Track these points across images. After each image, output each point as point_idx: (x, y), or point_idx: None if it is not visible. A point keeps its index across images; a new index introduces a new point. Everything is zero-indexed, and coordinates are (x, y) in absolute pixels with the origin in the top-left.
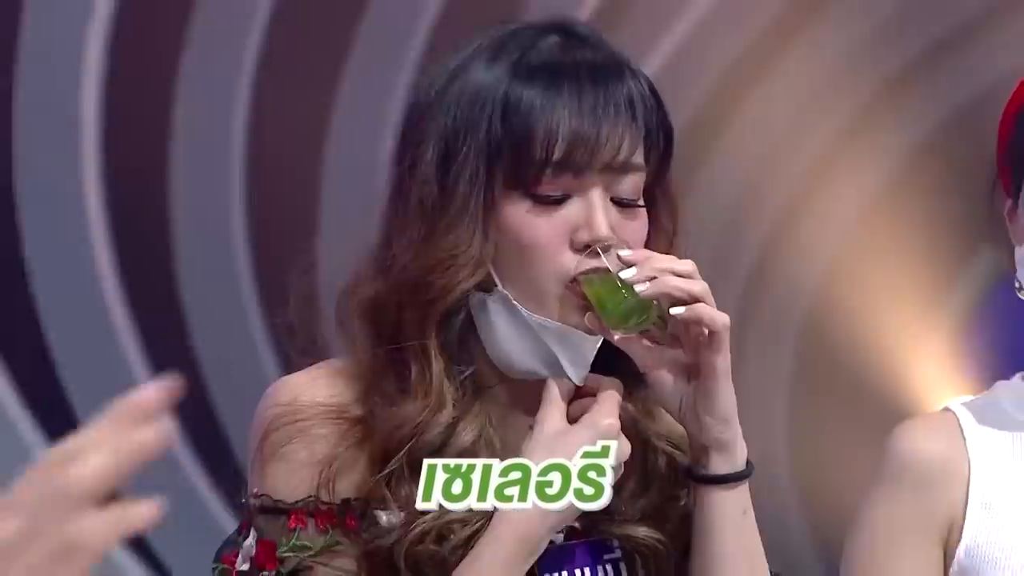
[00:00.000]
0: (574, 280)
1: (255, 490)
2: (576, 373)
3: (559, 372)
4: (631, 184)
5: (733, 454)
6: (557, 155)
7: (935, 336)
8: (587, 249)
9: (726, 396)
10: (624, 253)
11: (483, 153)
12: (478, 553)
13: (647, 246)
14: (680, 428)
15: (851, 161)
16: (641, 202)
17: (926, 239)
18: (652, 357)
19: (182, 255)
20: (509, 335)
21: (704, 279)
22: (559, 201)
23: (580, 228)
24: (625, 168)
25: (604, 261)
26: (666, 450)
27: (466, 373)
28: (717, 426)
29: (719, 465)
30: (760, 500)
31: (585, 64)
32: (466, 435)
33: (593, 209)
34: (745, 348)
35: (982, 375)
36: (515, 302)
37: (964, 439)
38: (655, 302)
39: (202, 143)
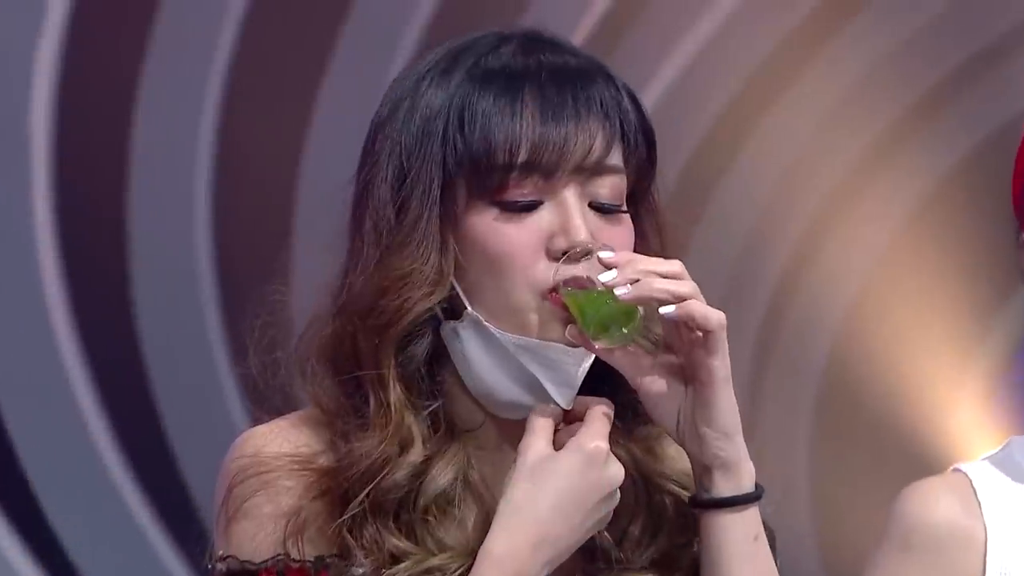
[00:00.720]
0: (553, 291)
1: (220, 552)
2: (562, 396)
3: (544, 398)
4: (610, 188)
5: (738, 474)
6: (522, 158)
7: (970, 377)
8: (564, 256)
9: (726, 405)
10: (605, 255)
11: (439, 167)
12: None
13: None
14: (686, 464)
15: (880, 182)
16: (624, 208)
17: (962, 268)
18: (641, 366)
19: (141, 303)
20: (485, 363)
21: (719, 310)
22: (530, 207)
23: (556, 235)
24: (600, 169)
25: (583, 268)
26: (672, 490)
27: (431, 407)
28: (718, 441)
29: (723, 487)
30: (778, 552)
31: (549, 66)
32: (442, 478)
33: (568, 213)
34: (763, 386)
35: (1022, 421)
36: (487, 323)
37: (979, 503)
38: (640, 309)
39: (164, 161)
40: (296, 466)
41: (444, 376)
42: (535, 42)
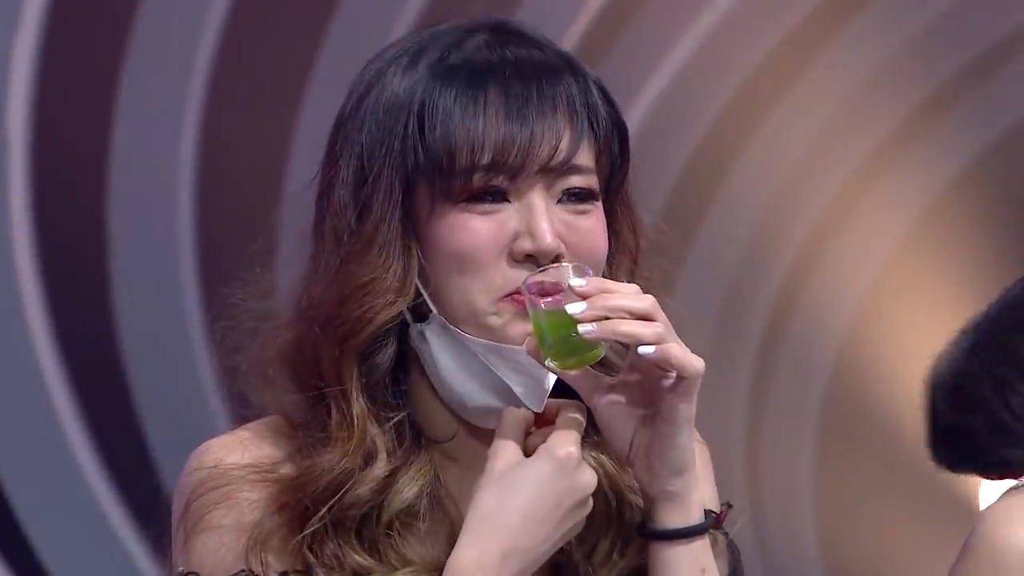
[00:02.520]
0: (516, 293)
1: (180, 569)
2: (532, 399)
3: (516, 403)
4: (580, 183)
5: (686, 507)
6: (485, 160)
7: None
8: (529, 261)
9: (684, 446)
10: (576, 283)
11: (400, 168)
12: None
13: (609, 264)
14: None
15: (886, 186)
16: (595, 201)
17: (969, 273)
18: (599, 387)
19: (122, 307)
20: (452, 366)
21: (720, 317)
22: (493, 205)
23: (521, 236)
24: (568, 170)
25: (551, 275)
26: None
27: (395, 418)
28: (670, 477)
29: (670, 518)
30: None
31: (514, 61)
32: (407, 492)
33: (534, 215)
34: (765, 399)
35: None
36: (452, 326)
37: None
38: (603, 345)
39: (145, 162)
40: (257, 477)
41: (412, 383)
42: (501, 35)
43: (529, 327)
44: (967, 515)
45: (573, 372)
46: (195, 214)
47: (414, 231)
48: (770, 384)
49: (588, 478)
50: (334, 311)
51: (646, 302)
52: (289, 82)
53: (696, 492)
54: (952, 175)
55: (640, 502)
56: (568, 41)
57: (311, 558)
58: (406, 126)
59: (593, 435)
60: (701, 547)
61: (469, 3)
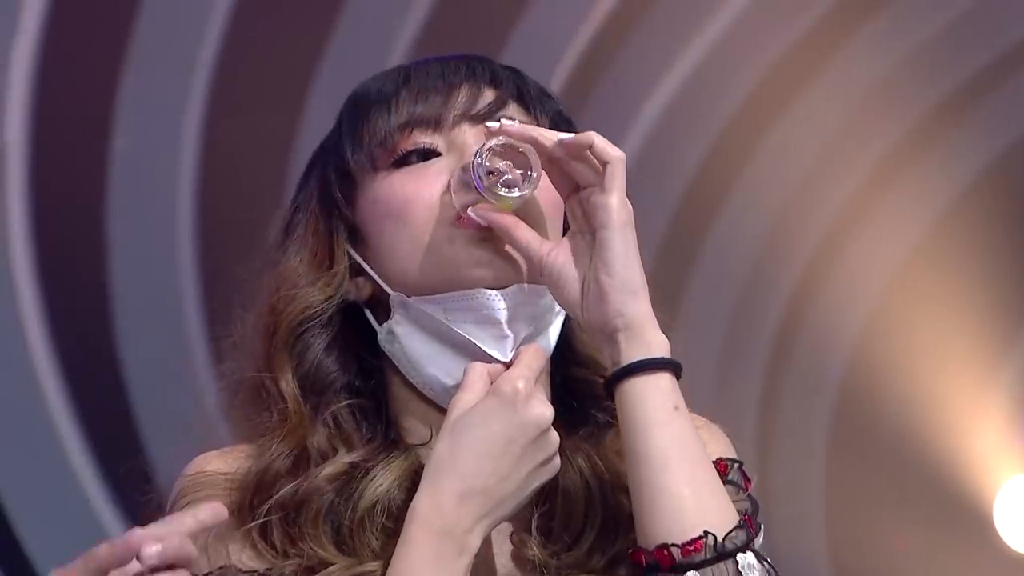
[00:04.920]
0: (460, 217)
1: None
2: (499, 349)
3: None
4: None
5: (645, 339)
6: (401, 119)
7: (993, 394)
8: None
9: (624, 250)
10: (491, 124)
11: (328, 165)
12: (394, 565)
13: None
14: None
15: (895, 197)
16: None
17: (984, 282)
18: (544, 243)
19: (121, 315)
20: (424, 351)
21: (730, 326)
22: (424, 156)
23: (455, 172)
24: (497, 118)
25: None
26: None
27: (325, 412)
28: (619, 295)
29: (631, 352)
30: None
31: (431, 62)
32: (380, 485)
33: (463, 146)
34: (774, 415)
35: None
36: (411, 300)
37: None
38: None
39: (145, 167)
40: (230, 484)
41: (391, 388)
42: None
43: (485, 266)
44: (979, 526)
45: (520, 226)
46: (195, 219)
47: (350, 225)
48: (780, 393)
49: (541, 411)
50: (267, 307)
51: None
52: (290, 87)
53: (655, 330)
54: (965, 181)
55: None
56: (576, 46)
57: (263, 548)
58: (335, 130)
59: (580, 433)
60: (668, 384)
61: (472, 9)
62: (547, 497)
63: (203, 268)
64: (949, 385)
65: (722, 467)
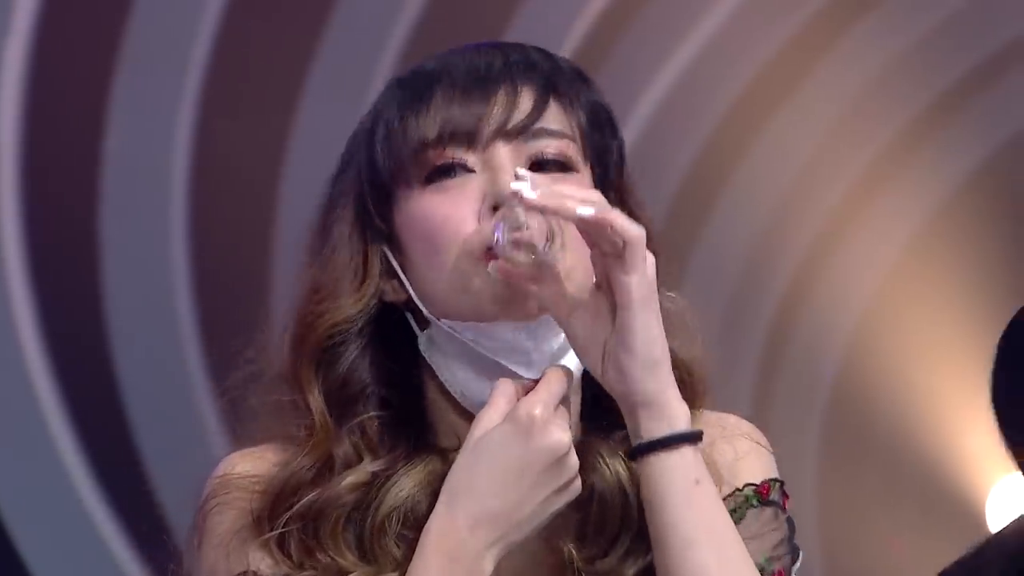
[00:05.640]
0: (489, 251)
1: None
2: (528, 370)
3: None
4: (556, 149)
5: (667, 413)
6: (432, 134)
7: (984, 401)
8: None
9: (644, 328)
10: (520, 176)
11: (359, 177)
12: None
13: None
14: None
15: (889, 196)
16: (577, 169)
17: (976, 281)
18: (567, 301)
19: (114, 318)
20: (457, 365)
21: (723, 323)
22: (454, 172)
23: (487, 196)
24: (535, 133)
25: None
26: None
27: (352, 422)
28: (639, 371)
29: (653, 427)
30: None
31: (462, 52)
32: (401, 491)
33: (495, 168)
34: (766, 415)
35: None
36: (441, 323)
37: None
38: None
39: (138, 171)
40: (257, 486)
41: (429, 393)
42: (482, 47)
43: (511, 302)
44: (973, 525)
45: (546, 283)
46: (188, 220)
47: (387, 235)
48: (773, 392)
49: (557, 438)
50: (299, 317)
51: (594, 194)
52: (283, 88)
53: (677, 400)
54: (958, 180)
55: None
56: (569, 43)
57: (280, 558)
58: (363, 141)
59: (614, 442)
60: (692, 458)
61: (465, 8)
62: (583, 502)
63: (196, 268)
64: (941, 385)
65: (764, 489)
